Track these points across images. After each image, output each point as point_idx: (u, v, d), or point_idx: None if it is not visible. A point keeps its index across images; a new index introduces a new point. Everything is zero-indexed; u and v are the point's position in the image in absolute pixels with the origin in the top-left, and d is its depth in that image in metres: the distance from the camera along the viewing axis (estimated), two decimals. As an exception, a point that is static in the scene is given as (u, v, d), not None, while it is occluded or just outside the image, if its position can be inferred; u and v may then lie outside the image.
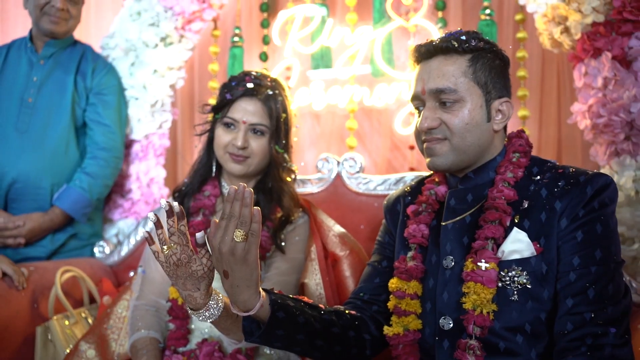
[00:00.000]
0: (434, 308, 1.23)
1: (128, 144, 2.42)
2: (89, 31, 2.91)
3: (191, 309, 1.14)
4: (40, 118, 2.16)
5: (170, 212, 1.07)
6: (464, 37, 1.26)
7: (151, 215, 1.08)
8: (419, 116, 1.28)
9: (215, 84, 2.53)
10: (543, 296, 1.13)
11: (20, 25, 3.37)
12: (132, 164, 2.43)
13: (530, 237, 1.16)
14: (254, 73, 1.64)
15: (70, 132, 2.21)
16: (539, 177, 1.22)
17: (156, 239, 1.10)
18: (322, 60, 2.38)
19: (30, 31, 2.27)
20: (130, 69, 2.41)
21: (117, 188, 2.42)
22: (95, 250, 2.29)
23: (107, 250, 2.29)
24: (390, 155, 2.43)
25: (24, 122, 2.15)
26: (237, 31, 2.50)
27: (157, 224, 1.08)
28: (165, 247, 1.08)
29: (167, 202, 1.07)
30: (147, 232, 1.11)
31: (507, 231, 1.18)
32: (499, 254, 1.16)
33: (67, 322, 1.85)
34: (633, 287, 1.64)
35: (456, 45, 1.24)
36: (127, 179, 2.42)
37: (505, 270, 1.15)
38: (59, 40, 2.25)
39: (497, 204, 1.19)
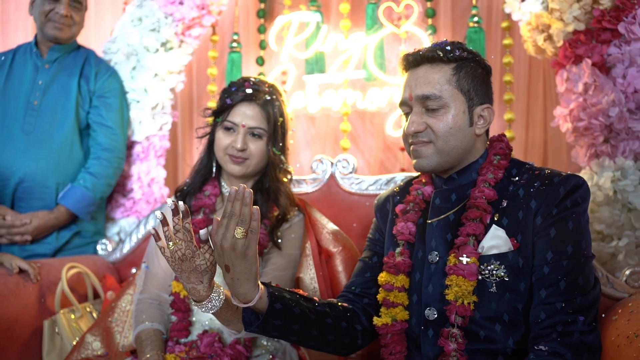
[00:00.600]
0: (419, 300, 1.32)
1: (130, 145, 2.50)
2: (89, 35, 2.98)
3: (195, 301, 1.21)
4: (46, 120, 2.25)
5: (175, 210, 1.15)
6: (448, 47, 1.34)
7: (158, 213, 1.16)
8: (407, 120, 1.37)
9: (213, 87, 2.61)
10: (519, 288, 1.23)
11: (21, 28, 3.44)
12: (134, 165, 2.51)
13: (508, 233, 1.25)
14: (252, 79, 1.72)
15: (75, 134, 2.30)
16: (517, 178, 1.31)
17: (162, 236, 1.18)
18: (316, 65, 2.47)
19: (36, 36, 2.35)
20: (131, 73, 2.49)
21: (119, 188, 2.50)
22: (98, 247, 2.36)
23: (110, 247, 2.36)
24: (382, 156, 2.52)
25: (30, 124, 2.23)
26: (235, 37, 2.59)
27: (163, 222, 1.16)
28: (170, 243, 1.16)
29: (172, 201, 1.15)
30: (153, 229, 1.19)
31: (487, 228, 1.27)
32: (479, 250, 1.26)
33: (73, 316, 1.93)
34: (610, 282, 1.73)
35: (441, 55, 1.33)
36: (129, 179, 2.51)
37: (485, 264, 1.24)
38: (63, 45, 2.33)
39: (478, 203, 1.28)
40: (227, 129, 1.68)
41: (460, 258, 1.25)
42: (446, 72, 1.32)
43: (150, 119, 2.49)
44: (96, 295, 2.11)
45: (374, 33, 2.36)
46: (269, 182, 1.73)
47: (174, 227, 1.16)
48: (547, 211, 1.22)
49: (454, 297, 1.24)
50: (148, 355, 1.53)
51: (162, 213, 1.16)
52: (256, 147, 1.69)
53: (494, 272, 1.24)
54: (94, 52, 2.45)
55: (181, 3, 2.44)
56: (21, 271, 1.91)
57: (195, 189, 1.75)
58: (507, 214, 1.27)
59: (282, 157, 1.76)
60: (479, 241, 1.27)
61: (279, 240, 1.68)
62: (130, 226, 2.46)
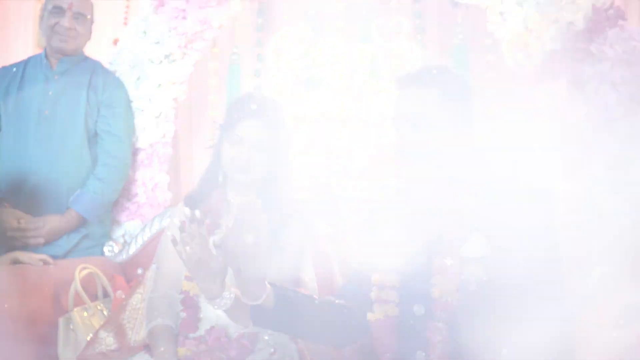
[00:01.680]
0: (409, 297, 1.47)
1: (134, 152, 2.60)
2: (89, 43, 3.08)
3: (208, 299, 1.36)
4: (57, 129, 2.37)
5: (192, 218, 1.30)
6: (434, 71, 1.50)
7: (176, 221, 1.31)
8: (398, 136, 1.53)
9: (214, 97, 2.74)
10: (497, 286, 1.38)
11: (20, 35, 3.53)
12: (138, 170, 2.61)
13: (487, 239, 1.41)
14: (256, 96, 1.88)
15: (83, 142, 2.41)
16: (497, 188, 1.47)
17: (179, 241, 1.33)
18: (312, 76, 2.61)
19: (45, 48, 2.48)
20: (136, 83, 2.59)
21: (123, 192, 2.58)
22: (105, 249, 2.47)
23: (116, 249, 2.49)
24: (375, 163, 2.66)
25: (42, 133, 2.35)
26: (235, 50, 2.73)
27: (181, 228, 1.31)
28: (188, 247, 1.31)
29: (190, 211, 1.30)
30: (172, 235, 1.33)
31: (469, 234, 1.42)
32: (462, 253, 1.41)
33: (85, 314, 2.06)
34: (582, 281, 1.90)
35: (427, 78, 1.49)
36: (133, 184, 2.60)
37: (467, 266, 1.40)
38: (71, 56, 2.45)
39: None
40: (234, 141, 1.83)
41: (445, 260, 1.41)
42: (432, 93, 1.47)
43: (154, 127, 2.61)
44: (105, 294, 2.23)
45: (367, 47, 2.50)
46: (271, 189, 1.87)
47: (190, 233, 1.31)
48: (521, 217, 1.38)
49: (440, 294, 1.39)
50: (162, 349, 1.66)
51: (180, 221, 1.30)
52: (260, 158, 1.83)
53: (475, 273, 1.39)
54: (101, 64, 2.57)
55: (184, 18, 2.57)
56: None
57: (203, 196, 1.89)
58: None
59: (283, 166, 1.90)
60: (462, 246, 1.42)
61: (281, 243, 1.83)
62: (135, 229, 2.56)
